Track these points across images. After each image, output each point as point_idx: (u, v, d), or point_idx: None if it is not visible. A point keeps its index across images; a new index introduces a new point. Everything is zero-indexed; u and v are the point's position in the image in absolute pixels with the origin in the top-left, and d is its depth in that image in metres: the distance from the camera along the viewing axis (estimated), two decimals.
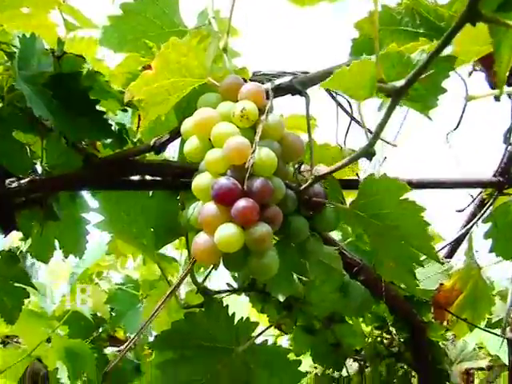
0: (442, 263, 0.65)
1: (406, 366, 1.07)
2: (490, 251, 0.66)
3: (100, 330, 1.39)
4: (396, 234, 0.66)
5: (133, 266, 1.44)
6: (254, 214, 0.56)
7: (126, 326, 1.27)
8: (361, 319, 0.99)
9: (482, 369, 1.07)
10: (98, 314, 1.38)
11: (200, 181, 0.61)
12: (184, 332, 0.81)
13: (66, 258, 1.02)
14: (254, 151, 0.58)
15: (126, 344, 0.76)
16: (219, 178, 0.59)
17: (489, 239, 0.67)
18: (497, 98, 0.67)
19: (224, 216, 0.57)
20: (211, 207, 0.58)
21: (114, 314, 1.29)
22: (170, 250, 0.96)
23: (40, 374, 1.25)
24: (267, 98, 0.65)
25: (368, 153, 0.58)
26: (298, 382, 0.93)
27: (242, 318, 0.84)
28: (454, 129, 0.76)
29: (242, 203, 0.56)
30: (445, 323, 0.96)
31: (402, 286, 0.93)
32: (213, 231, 0.57)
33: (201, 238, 0.58)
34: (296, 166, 0.67)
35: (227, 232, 0.56)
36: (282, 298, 0.78)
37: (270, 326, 0.86)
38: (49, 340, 1.27)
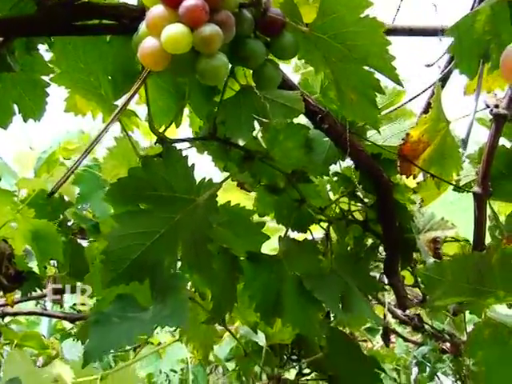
0: (403, 85, 0.63)
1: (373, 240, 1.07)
2: (455, 67, 0.65)
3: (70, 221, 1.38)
4: (356, 57, 0.64)
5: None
6: (203, 13, 0.54)
7: (92, 207, 1.27)
8: (326, 179, 0.98)
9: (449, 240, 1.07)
10: (66, 199, 1.37)
11: None
12: (141, 180, 0.79)
13: (26, 122, 1.00)
14: None
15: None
16: None
17: (451, 54, 0.65)
18: None
19: (171, 17, 0.55)
20: (158, 8, 0.56)
21: (79, 194, 1.27)
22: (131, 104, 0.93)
23: (5, 253, 1.25)
24: None
25: None
26: (262, 243, 0.93)
27: (204, 177, 0.83)
28: None
29: (190, 1, 0.54)
30: (412, 185, 0.96)
31: (368, 142, 0.93)
32: (159, 33, 0.55)
33: (148, 42, 0.56)
34: None
35: (174, 31, 0.54)
36: (241, 142, 0.76)
37: (229, 177, 0.84)
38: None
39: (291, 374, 1.16)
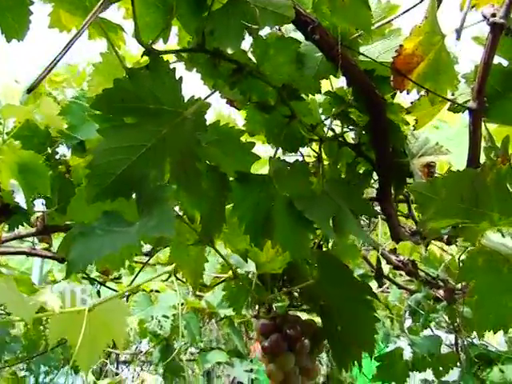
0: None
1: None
2: None
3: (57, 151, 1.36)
4: None
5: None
6: None
7: (82, 137, 1.24)
8: (318, 99, 0.96)
9: None
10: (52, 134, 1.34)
11: None
12: (127, 92, 0.78)
13: (9, 42, 0.98)
14: None
15: None
16: None
17: None
18: None
19: None
20: None
21: (67, 125, 1.25)
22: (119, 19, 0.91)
23: None
24: None
25: None
26: (251, 164, 0.92)
27: (193, 95, 0.82)
28: None
29: None
30: (405, 105, 0.95)
31: (361, 58, 0.91)
32: None
33: None
34: None
35: None
36: (230, 51, 0.74)
37: (215, 91, 0.83)
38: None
39: (282, 307, 1.15)
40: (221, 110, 1.46)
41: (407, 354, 2.37)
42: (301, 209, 0.87)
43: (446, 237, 1.13)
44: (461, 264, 0.96)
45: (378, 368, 2.33)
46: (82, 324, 0.99)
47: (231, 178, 0.90)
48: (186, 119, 0.79)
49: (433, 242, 2.14)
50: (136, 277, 1.39)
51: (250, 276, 1.13)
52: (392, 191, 1.04)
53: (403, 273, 2.67)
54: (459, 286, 2.32)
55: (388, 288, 2.76)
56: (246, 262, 1.08)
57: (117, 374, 3.43)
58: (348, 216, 0.90)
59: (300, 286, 1.02)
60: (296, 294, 1.15)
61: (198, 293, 2.67)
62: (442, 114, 1.43)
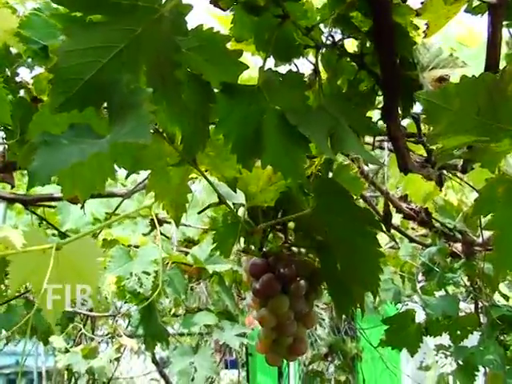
0: None
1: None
2: None
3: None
4: None
5: None
6: None
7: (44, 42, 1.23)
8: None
9: None
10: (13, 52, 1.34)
11: None
12: None
13: None
14: None
15: None
16: None
17: None
18: None
19: None
20: None
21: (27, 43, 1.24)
22: None
23: None
24: None
25: None
26: (239, 74, 0.92)
27: None
28: None
29: None
30: (414, 4, 0.95)
31: None
32: None
33: None
34: None
35: None
36: None
37: None
38: None
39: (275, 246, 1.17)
40: None
41: (420, 317, 2.38)
42: (294, 123, 0.88)
43: (460, 164, 1.15)
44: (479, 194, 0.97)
45: (387, 332, 2.33)
46: (48, 264, 1.01)
47: (216, 90, 0.90)
48: (163, 17, 0.79)
49: (448, 185, 2.16)
50: (120, 205, 1.40)
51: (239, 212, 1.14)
52: (399, 111, 1.04)
53: (415, 227, 2.68)
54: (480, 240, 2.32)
55: (397, 244, 2.77)
56: (235, 191, 1.09)
57: (92, 340, 3.48)
58: (348, 132, 0.90)
59: (296, 215, 1.03)
60: (291, 232, 1.16)
61: (183, 249, 2.71)
62: (460, 33, 1.44)
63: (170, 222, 2.66)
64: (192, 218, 2.73)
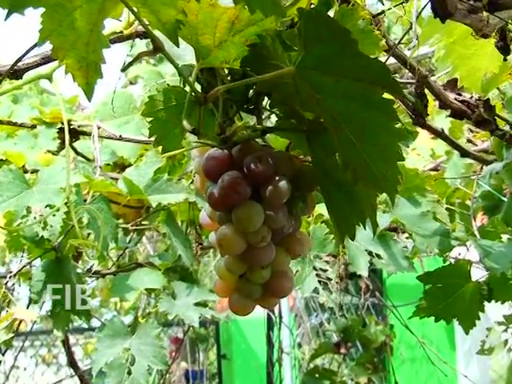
0: None
1: None
2: None
3: None
4: None
5: None
6: None
7: None
8: None
9: None
10: None
11: None
12: None
13: None
14: None
15: None
16: None
17: None
18: None
19: None
20: None
21: None
22: None
23: None
24: None
25: None
26: None
27: None
28: None
29: None
30: None
31: None
32: None
33: None
34: None
35: None
36: None
37: None
38: None
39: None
40: None
41: (479, 273, 2.30)
42: None
43: None
44: None
45: (427, 294, 2.21)
46: None
47: None
48: None
49: None
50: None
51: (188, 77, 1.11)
52: None
53: (472, 137, 2.62)
54: None
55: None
56: (177, 45, 1.07)
57: None
58: None
59: (271, 75, 1.02)
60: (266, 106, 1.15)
61: (113, 174, 2.68)
62: None
63: (89, 134, 2.63)
64: (129, 128, 2.70)
